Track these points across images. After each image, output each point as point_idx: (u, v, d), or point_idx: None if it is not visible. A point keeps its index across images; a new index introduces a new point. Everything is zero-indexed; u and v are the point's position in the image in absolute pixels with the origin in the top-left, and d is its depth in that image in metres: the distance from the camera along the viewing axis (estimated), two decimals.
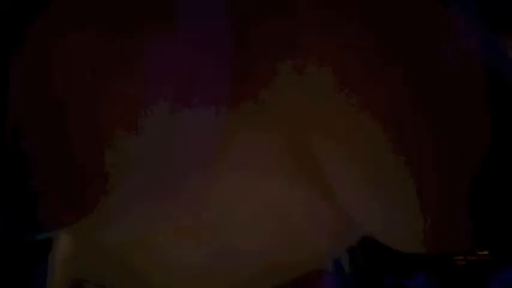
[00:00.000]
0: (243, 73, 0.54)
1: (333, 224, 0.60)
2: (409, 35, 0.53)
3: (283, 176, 0.57)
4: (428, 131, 0.52)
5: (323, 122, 0.54)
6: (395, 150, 0.52)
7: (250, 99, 0.54)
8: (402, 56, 0.52)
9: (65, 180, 0.51)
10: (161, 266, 0.62)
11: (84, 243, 0.67)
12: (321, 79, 0.53)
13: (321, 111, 0.53)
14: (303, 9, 0.53)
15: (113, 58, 0.50)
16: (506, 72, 0.55)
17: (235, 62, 0.54)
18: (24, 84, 0.51)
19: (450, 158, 0.52)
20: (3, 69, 0.51)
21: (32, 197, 0.51)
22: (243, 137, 0.56)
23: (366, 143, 0.53)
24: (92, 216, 0.53)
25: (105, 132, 0.50)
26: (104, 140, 0.51)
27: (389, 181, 0.53)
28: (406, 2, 0.53)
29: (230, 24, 0.54)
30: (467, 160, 0.52)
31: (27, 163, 0.51)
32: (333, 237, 0.61)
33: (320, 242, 0.61)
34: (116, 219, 0.57)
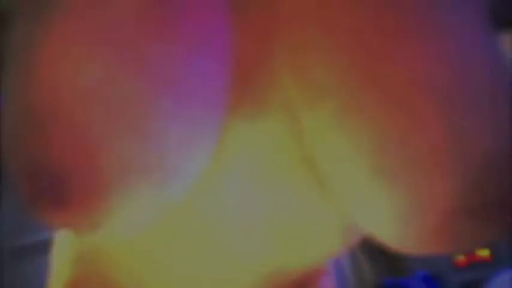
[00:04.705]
0: (243, 73, 0.54)
1: (333, 224, 0.60)
2: (409, 34, 0.53)
3: (283, 177, 0.57)
4: (429, 131, 0.52)
5: (323, 122, 0.54)
6: (396, 150, 0.52)
7: (250, 99, 0.55)
8: (402, 55, 0.52)
9: (65, 180, 0.51)
10: (161, 267, 0.62)
11: (84, 243, 0.67)
12: (321, 79, 0.53)
13: (321, 111, 0.53)
14: (303, 9, 0.53)
15: (112, 58, 0.50)
16: (506, 72, 0.55)
17: (235, 62, 0.54)
18: (24, 84, 0.51)
19: (450, 158, 0.52)
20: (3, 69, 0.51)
21: (32, 197, 0.51)
22: (243, 137, 0.56)
23: (366, 143, 0.53)
24: (92, 216, 0.53)
25: (104, 132, 0.50)
26: (104, 140, 0.51)
27: (390, 181, 0.53)
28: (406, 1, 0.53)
29: (230, 23, 0.54)
30: (468, 160, 0.52)
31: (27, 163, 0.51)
32: (333, 237, 0.61)
33: (320, 242, 0.61)
34: (116, 219, 0.57)
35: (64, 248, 0.72)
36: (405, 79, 0.51)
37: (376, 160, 0.52)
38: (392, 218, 0.55)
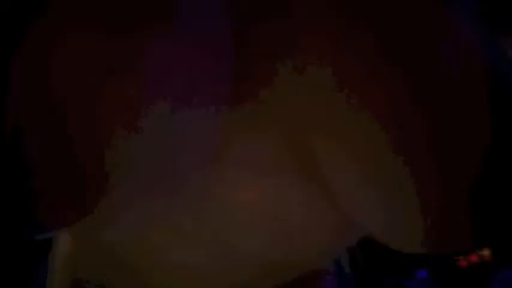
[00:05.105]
0: (243, 73, 0.54)
1: (333, 224, 0.60)
2: (409, 34, 0.53)
3: (283, 176, 0.57)
4: (429, 131, 0.52)
5: (323, 122, 0.54)
6: (396, 150, 0.52)
7: (250, 99, 0.55)
8: (402, 55, 0.52)
9: (65, 180, 0.51)
10: (161, 266, 0.62)
11: (84, 243, 0.67)
12: (321, 79, 0.53)
13: (321, 111, 0.53)
14: (302, 9, 0.53)
15: (112, 58, 0.50)
16: (506, 72, 0.55)
17: (236, 62, 0.54)
18: (24, 84, 0.51)
19: (450, 158, 0.52)
20: (3, 69, 0.51)
21: (32, 197, 0.51)
22: (243, 137, 0.56)
23: (366, 143, 0.53)
24: (92, 216, 0.53)
25: (105, 132, 0.51)
26: (104, 140, 0.51)
27: (389, 181, 0.53)
28: (406, 1, 0.53)
29: (230, 24, 0.54)
30: (468, 160, 0.52)
31: (27, 163, 0.51)
32: (333, 237, 0.61)
33: (320, 242, 0.61)
34: (116, 219, 0.57)
35: (64, 248, 0.72)
36: (391, 96, 0.51)
37: (374, 164, 0.53)
38: (393, 218, 0.55)
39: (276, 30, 0.54)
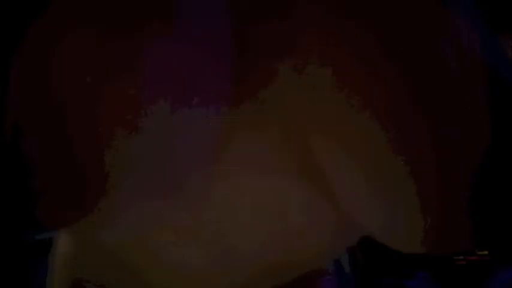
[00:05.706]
0: (243, 73, 0.54)
1: (333, 224, 0.60)
2: (409, 35, 0.53)
3: (283, 176, 0.57)
4: (429, 131, 0.52)
5: (323, 122, 0.54)
6: (396, 150, 0.52)
7: (250, 99, 0.55)
8: (402, 55, 0.52)
9: (65, 180, 0.51)
10: (161, 266, 0.62)
11: (84, 243, 0.67)
12: (321, 79, 0.53)
13: (321, 111, 0.53)
14: (303, 9, 0.54)
15: (113, 58, 0.50)
16: (506, 72, 0.55)
17: (236, 62, 0.54)
18: (24, 84, 0.51)
19: (450, 158, 0.52)
20: (3, 69, 0.51)
21: (32, 197, 0.51)
22: (243, 136, 0.56)
23: (366, 143, 0.53)
24: (92, 216, 0.53)
25: (105, 132, 0.51)
26: (104, 140, 0.51)
27: (389, 181, 0.53)
28: (406, 2, 0.53)
29: (230, 24, 0.54)
30: (468, 160, 0.52)
31: (27, 163, 0.51)
32: (333, 237, 0.61)
33: (320, 242, 0.61)
34: (116, 219, 0.57)
35: (64, 248, 0.72)
36: (391, 96, 0.52)
37: (374, 164, 0.53)
38: (393, 218, 0.55)
39: (276, 30, 0.54)
